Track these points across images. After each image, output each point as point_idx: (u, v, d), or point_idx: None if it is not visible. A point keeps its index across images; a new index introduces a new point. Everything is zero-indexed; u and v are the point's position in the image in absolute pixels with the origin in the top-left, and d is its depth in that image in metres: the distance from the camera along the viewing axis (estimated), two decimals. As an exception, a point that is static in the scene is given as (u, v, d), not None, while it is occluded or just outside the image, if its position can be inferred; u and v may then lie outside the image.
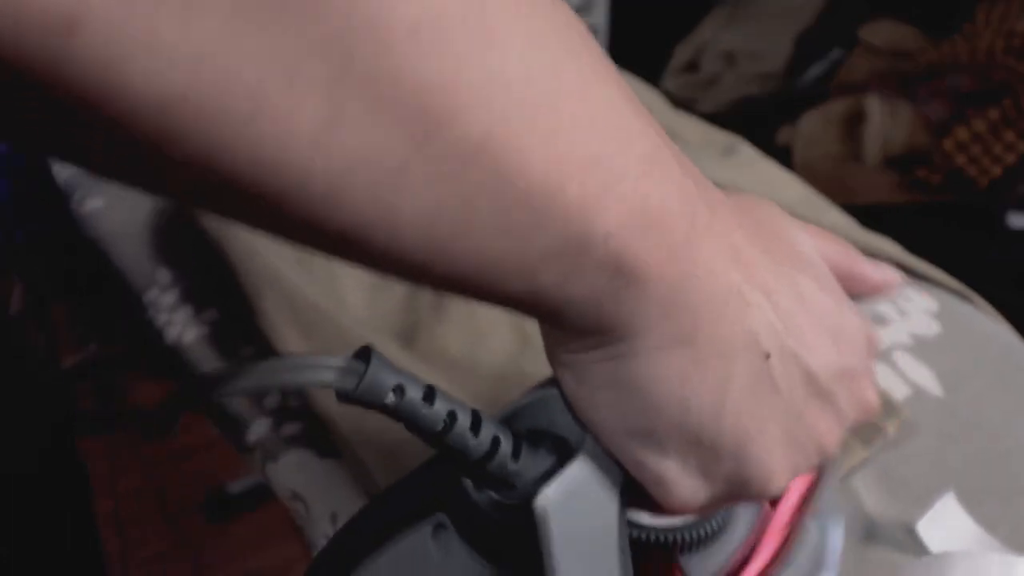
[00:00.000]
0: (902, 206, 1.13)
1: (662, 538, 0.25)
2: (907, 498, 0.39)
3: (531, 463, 0.22)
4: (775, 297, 0.21)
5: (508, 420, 0.24)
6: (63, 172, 0.70)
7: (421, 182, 0.15)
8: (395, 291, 0.54)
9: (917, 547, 0.37)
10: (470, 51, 0.14)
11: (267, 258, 0.53)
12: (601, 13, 1.39)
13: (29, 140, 0.13)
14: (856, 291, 0.25)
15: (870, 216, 0.63)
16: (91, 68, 0.11)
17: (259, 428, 0.48)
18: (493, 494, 0.22)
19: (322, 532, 0.43)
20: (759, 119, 1.23)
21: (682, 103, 0.92)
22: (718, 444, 0.20)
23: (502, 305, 0.18)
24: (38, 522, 0.59)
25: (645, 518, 0.25)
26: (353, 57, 0.13)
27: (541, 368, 0.47)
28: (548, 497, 0.20)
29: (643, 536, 0.25)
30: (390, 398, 0.19)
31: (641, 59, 0.93)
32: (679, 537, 0.25)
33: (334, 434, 0.45)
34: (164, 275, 0.60)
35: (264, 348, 0.51)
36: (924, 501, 0.38)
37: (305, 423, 0.48)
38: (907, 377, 0.45)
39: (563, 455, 0.22)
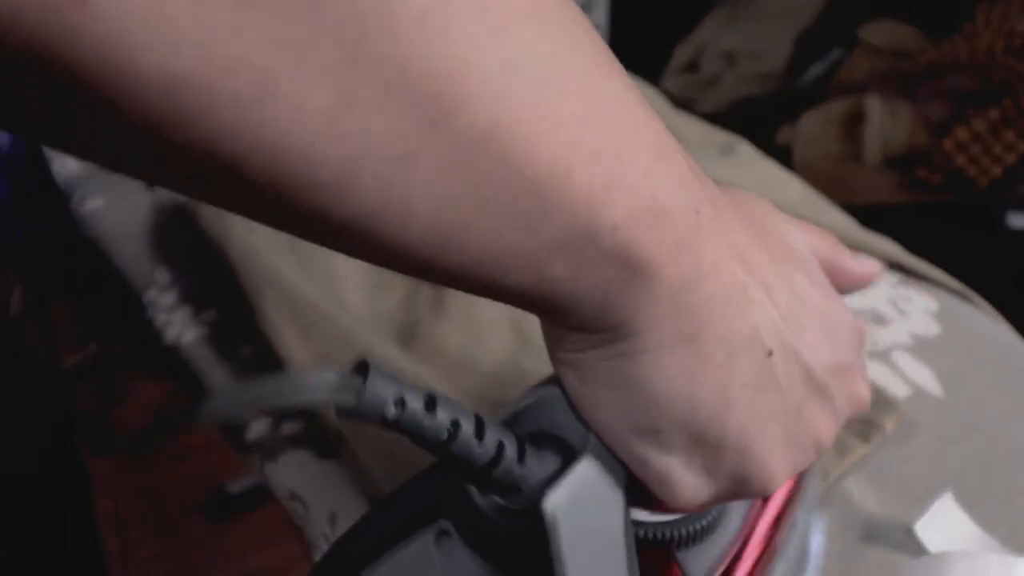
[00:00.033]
0: (902, 206, 1.13)
1: (659, 534, 0.25)
2: (906, 498, 0.39)
3: (536, 466, 0.22)
4: (775, 294, 0.21)
5: (510, 422, 0.24)
6: (63, 172, 0.70)
7: (428, 171, 0.15)
8: (394, 291, 0.54)
9: (915, 547, 0.37)
10: (477, 39, 0.14)
11: (266, 258, 0.53)
12: (601, 13, 1.39)
13: (29, 124, 0.13)
14: (840, 284, 0.26)
15: (870, 216, 0.63)
16: (97, 45, 0.11)
17: (258, 428, 0.48)
18: (498, 499, 0.22)
19: (321, 533, 0.43)
20: (759, 119, 1.23)
21: (682, 103, 0.92)
22: (722, 441, 0.21)
23: (507, 299, 0.18)
24: (38, 522, 0.59)
25: (641, 514, 0.25)
26: (360, 44, 0.13)
27: (540, 366, 0.47)
28: (555, 500, 0.20)
29: (640, 532, 0.25)
30: (391, 411, 0.18)
31: (641, 59, 0.93)
32: (675, 532, 0.25)
33: (333, 434, 0.45)
34: (163, 275, 0.60)
35: (263, 348, 0.51)
36: (923, 501, 0.38)
37: (304, 423, 0.48)
38: (907, 377, 0.45)
39: (568, 456, 0.22)
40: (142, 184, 0.66)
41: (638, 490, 0.22)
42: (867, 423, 0.42)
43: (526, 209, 0.16)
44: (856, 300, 0.50)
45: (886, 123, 1.18)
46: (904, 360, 0.46)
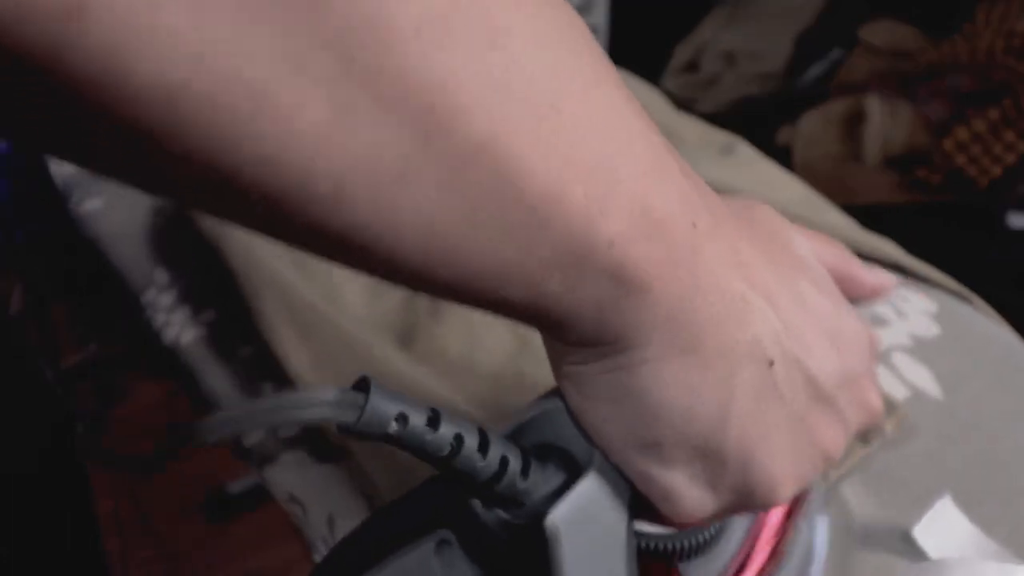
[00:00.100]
0: (902, 206, 1.12)
1: (661, 546, 0.24)
2: (905, 500, 0.39)
3: (540, 480, 0.21)
4: (777, 303, 0.20)
5: (514, 435, 0.24)
6: (62, 172, 0.70)
7: (423, 184, 0.14)
8: (393, 292, 0.54)
9: (914, 552, 0.37)
10: (473, 51, 0.14)
11: (265, 259, 0.53)
12: (601, 13, 1.39)
13: (28, 133, 0.13)
14: (852, 294, 0.25)
15: (870, 216, 0.62)
16: (94, 56, 0.11)
17: (256, 433, 0.48)
18: (501, 512, 0.22)
19: (320, 535, 0.43)
20: (759, 119, 1.23)
21: (682, 103, 0.91)
22: (724, 453, 0.20)
23: (505, 314, 0.18)
24: (38, 522, 0.59)
25: (644, 526, 0.24)
26: (356, 56, 0.13)
27: (539, 369, 0.47)
28: (559, 516, 0.20)
29: (642, 544, 0.24)
30: (393, 427, 0.18)
31: (641, 59, 0.93)
32: (678, 545, 0.24)
33: (333, 438, 0.45)
34: (162, 275, 0.60)
35: (262, 348, 0.51)
36: (923, 503, 0.38)
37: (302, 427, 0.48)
38: (906, 378, 0.45)
39: (572, 470, 0.22)
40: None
41: (644, 503, 0.22)
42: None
43: (521, 223, 0.16)
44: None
45: (886, 123, 1.18)
46: (903, 361, 0.46)
